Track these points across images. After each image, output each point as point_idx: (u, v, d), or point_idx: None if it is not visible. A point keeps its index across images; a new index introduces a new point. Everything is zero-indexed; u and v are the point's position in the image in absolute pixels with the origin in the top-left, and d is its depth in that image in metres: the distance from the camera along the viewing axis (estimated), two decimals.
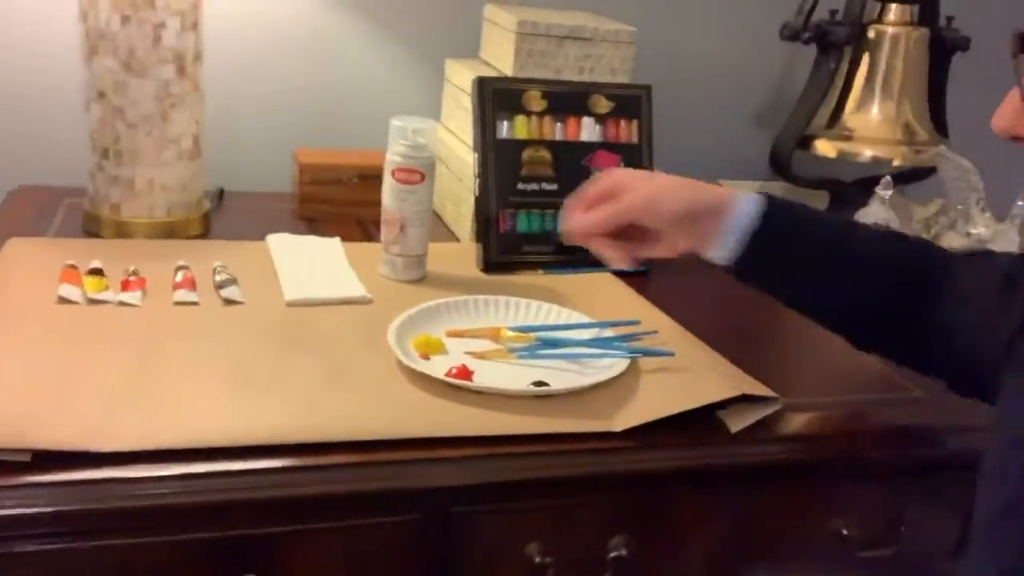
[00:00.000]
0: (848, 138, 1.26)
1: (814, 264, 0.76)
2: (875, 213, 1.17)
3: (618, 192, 0.79)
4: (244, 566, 0.66)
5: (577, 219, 0.80)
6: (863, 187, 1.27)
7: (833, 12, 1.22)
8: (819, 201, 1.35)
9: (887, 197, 1.17)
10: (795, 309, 0.81)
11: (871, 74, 1.25)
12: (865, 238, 0.79)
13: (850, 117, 1.27)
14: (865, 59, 1.25)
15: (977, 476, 0.58)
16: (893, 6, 1.24)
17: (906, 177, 1.33)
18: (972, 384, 0.73)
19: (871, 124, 1.26)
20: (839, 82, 1.26)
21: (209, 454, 0.65)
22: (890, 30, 1.24)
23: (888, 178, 1.17)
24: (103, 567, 0.63)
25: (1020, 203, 1.12)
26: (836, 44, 1.22)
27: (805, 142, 1.27)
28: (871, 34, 1.24)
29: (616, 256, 0.80)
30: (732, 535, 0.79)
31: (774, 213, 0.76)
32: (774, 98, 1.48)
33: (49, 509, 0.60)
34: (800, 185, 1.32)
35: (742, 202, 0.76)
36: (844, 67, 1.25)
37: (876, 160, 1.25)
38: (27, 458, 0.62)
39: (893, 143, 1.25)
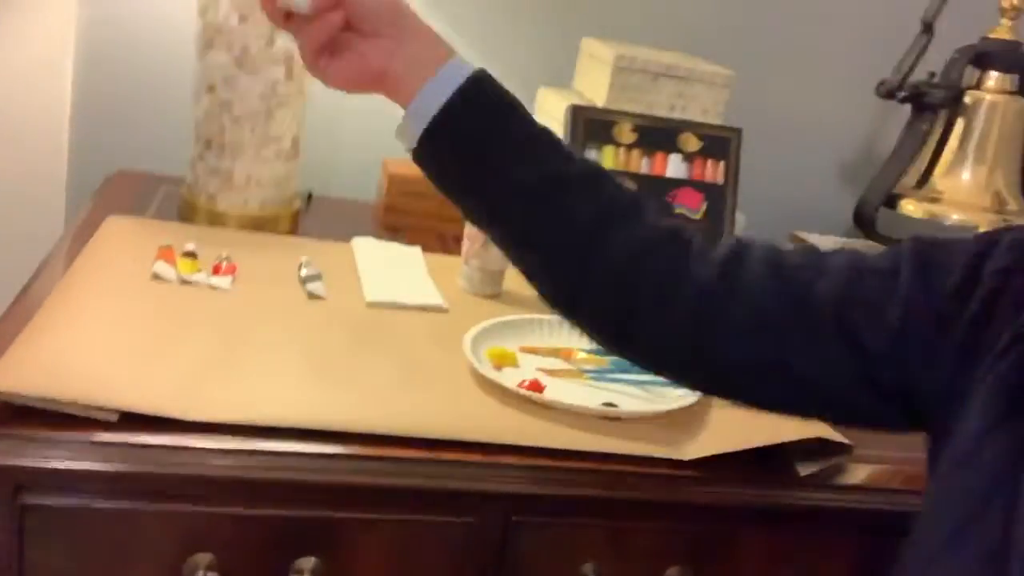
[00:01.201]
0: (936, 200, 1.25)
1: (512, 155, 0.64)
2: None
3: None
4: (304, 547, 0.67)
5: None
6: None
7: (932, 74, 1.22)
8: None
9: None
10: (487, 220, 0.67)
11: (965, 139, 1.24)
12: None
13: (940, 179, 1.25)
14: (960, 123, 1.24)
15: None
16: (993, 74, 1.23)
17: None
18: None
19: (960, 188, 1.24)
20: (931, 144, 1.25)
21: (282, 434, 0.67)
22: (988, 97, 1.23)
23: None
24: (171, 531, 0.65)
25: None
26: (932, 106, 1.22)
27: (892, 201, 1.26)
28: (968, 100, 1.23)
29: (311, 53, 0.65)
30: None
31: (488, 79, 0.65)
32: (863, 154, 1.47)
33: (129, 468, 0.63)
34: (884, 243, 1.31)
35: (456, 56, 0.66)
36: (938, 129, 1.24)
37: (962, 225, 1.23)
38: (114, 417, 0.64)
39: (981, 210, 1.23)
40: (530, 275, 0.66)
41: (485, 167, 0.64)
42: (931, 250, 0.61)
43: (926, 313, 0.59)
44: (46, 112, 1.18)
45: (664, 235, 0.64)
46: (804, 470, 0.76)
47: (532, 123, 0.66)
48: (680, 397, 0.81)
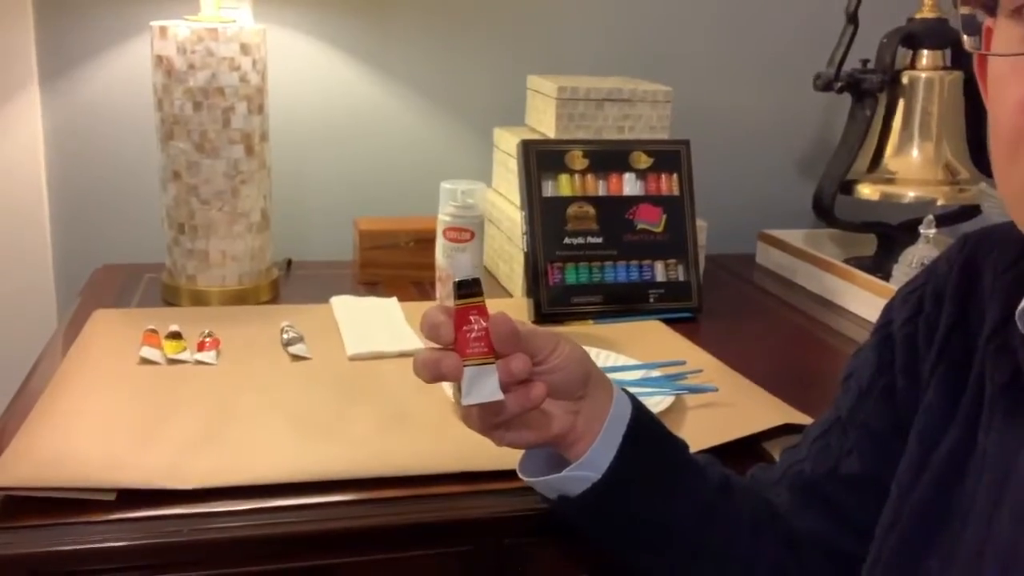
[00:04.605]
0: (890, 181, 1.29)
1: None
2: (921, 252, 1.19)
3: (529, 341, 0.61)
4: None
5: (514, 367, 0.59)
6: (909, 228, 1.29)
7: (865, 61, 1.26)
8: (865, 244, 1.37)
9: (931, 235, 1.18)
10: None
11: (908, 118, 1.28)
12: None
13: (891, 160, 1.29)
14: (901, 104, 1.28)
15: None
16: (925, 52, 1.27)
17: (954, 217, 1.34)
18: None
19: (912, 166, 1.28)
20: (877, 127, 1.29)
21: (277, 490, 0.71)
22: (924, 75, 1.27)
23: (931, 217, 1.18)
24: None
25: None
26: (870, 92, 1.26)
27: (848, 187, 1.30)
28: (904, 80, 1.27)
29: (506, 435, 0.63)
30: None
31: (643, 411, 0.66)
32: (815, 146, 1.52)
33: (132, 543, 0.66)
34: (846, 229, 1.34)
35: (618, 388, 0.66)
36: (880, 113, 1.28)
37: (919, 201, 1.27)
38: (112, 497, 0.68)
39: (935, 183, 1.27)
40: None
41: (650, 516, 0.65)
42: (850, 364, 0.68)
43: (870, 406, 0.63)
44: (26, 220, 1.24)
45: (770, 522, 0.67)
46: (775, 452, 0.78)
47: (682, 456, 0.67)
48: (653, 406, 0.84)
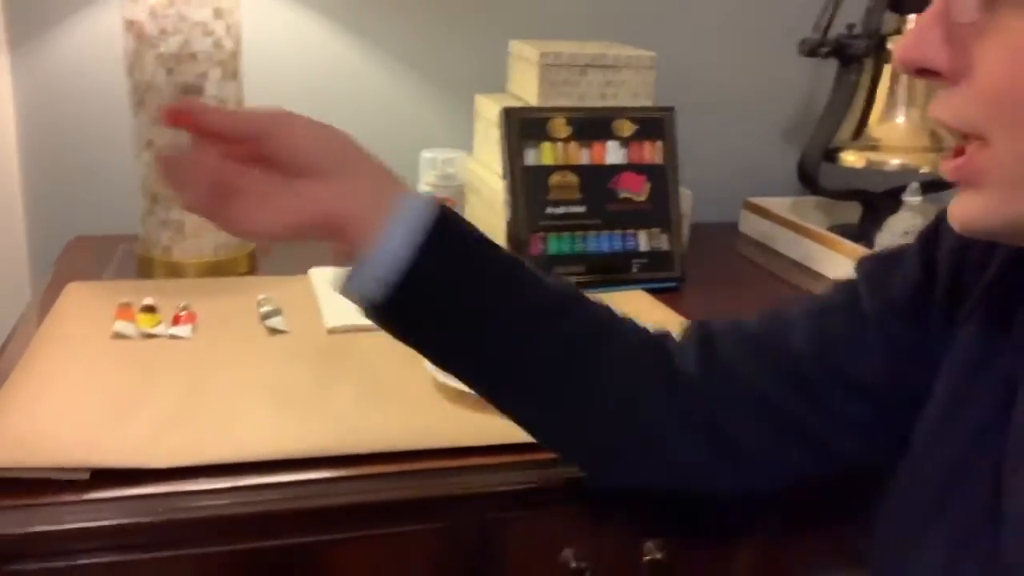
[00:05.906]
0: (875, 148, 1.27)
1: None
2: (906, 220, 1.18)
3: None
4: (289, 574, 0.69)
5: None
6: (894, 196, 1.28)
7: (851, 26, 1.24)
8: (851, 212, 1.36)
9: (916, 203, 1.18)
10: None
11: (894, 84, 1.26)
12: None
13: (876, 127, 1.28)
14: (887, 70, 1.26)
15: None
16: (912, 17, 1.25)
17: (939, 185, 1.33)
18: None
19: (897, 133, 1.27)
20: (862, 94, 1.28)
21: (255, 468, 0.69)
22: None
23: (916, 184, 1.17)
24: None
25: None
26: (856, 57, 1.24)
27: (832, 154, 1.29)
28: (891, 46, 1.26)
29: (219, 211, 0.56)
30: (768, 542, 0.80)
31: (450, 215, 0.59)
32: (800, 113, 1.50)
33: (107, 523, 0.65)
34: (830, 197, 1.33)
35: (411, 191, 0.59)
36: (866, 79, 1.27)
37: (904, 168, 1.25)
38: (86, 476, 0.67)
39: (920, 151, 1.25)
40: (527, 424, 0.64)
41: (464, 319, 0.59)
42: (881, 264, 0.62)
43: (900, 322, 0.58)
44: None
45: (644, 355, 0.65)
46: None
47: (502, 258, 0.62)
48: None
